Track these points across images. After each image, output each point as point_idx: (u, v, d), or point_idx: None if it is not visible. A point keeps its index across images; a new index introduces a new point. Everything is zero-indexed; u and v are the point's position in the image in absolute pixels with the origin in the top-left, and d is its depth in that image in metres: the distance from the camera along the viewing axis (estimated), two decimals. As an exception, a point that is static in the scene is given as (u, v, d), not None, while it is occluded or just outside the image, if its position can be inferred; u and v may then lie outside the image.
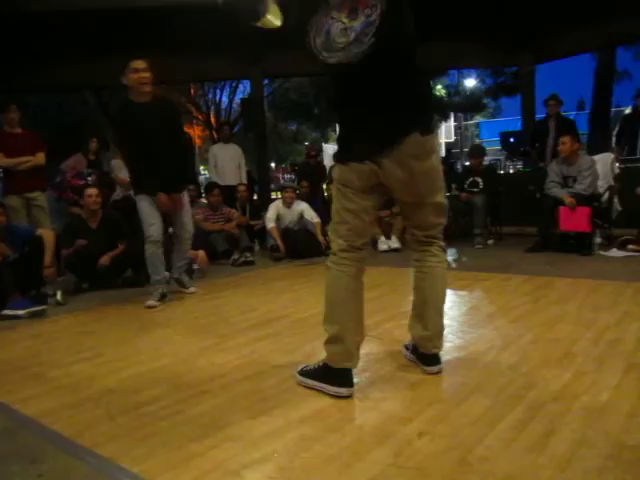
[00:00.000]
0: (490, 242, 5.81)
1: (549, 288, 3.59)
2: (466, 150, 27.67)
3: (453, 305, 3.26)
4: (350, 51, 1.70)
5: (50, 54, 7.39)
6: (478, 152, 6.24)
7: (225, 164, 7.39)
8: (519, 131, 8.50)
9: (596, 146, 13.77)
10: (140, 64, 3.50)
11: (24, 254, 4.03)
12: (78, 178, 5.53)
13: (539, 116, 8.69)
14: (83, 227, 4.51)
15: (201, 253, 4.95)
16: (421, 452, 1.52)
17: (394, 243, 5.71)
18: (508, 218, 6.40)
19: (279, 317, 3.20)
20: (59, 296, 3.98)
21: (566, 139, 5.10)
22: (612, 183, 5.30)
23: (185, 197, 3.91)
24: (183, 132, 3.92)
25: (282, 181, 40.05)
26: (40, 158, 4.99)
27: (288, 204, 5.95)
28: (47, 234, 4.21)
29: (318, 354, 2.43)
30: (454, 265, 4.70)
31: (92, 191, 4.50)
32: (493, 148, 28.15)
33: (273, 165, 39.73)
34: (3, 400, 2.10)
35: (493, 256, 5.12)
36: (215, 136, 20.85)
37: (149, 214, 3.66)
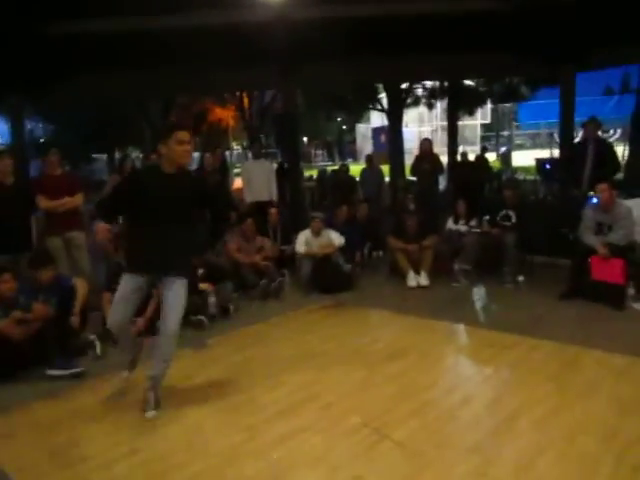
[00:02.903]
0: (521, 279, 5.75)
1: (576, 368, 3.58)
2: (502, 134, 27.06)
3: (475, 394, 3.31)
4: None
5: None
6: (512, 185, 6.15)
7: (256, 180, 7.51)
8: (554, 158, 8.29)
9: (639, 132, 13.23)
10: (186, 136, 3.15)
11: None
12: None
13: (578, 119, 8.49)
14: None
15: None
16: None
17: (423, 280, 5.73)
18: (541, 247, 6.32)
19: (307, 400, 3.29)
20: (98, 349, 4.18)
21: (604, 187, 4.99)
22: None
23: (179, 285, 3.19)
24: (215, 204, 3.53)
25: (314, 154, 40.45)
26: (78, 199, 5.17)
27: (316, 232, 6.04)
28: (81, 284, 4.38)
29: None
30: (482, 317, 4.71)
31: None
32: (530, 132, 27.51)
33: (306, 140, 39.95)
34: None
35: (522, 303, 5.10)
36: (247, 118, 20.99)
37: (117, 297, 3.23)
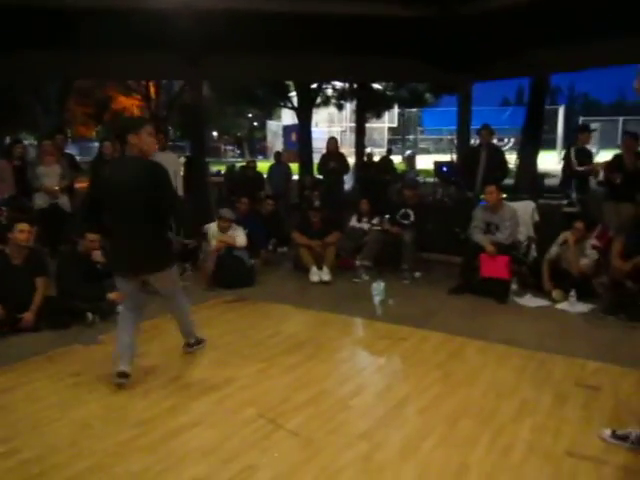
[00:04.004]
0: (417, 275, 6.03)
1: (460, 358, 3.82)
2: (408, 138, 28.18)
3: (367, 384, 3.45)
4: None
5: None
6: (412, 185, 6.43)
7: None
8: (451, 162, 8.79)
9: (528, 141, 14.36)
10: (153, 129, 3.44)
11: None
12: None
13: (476, 126, 9.04)
14: (5, 265, 4.33)
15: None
16: None
17: (325, 275, 5.84)
18: (437, 245, 6.66)
19: (202, 394, 3.26)
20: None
21: (492, 189, 5.35)
22: (532, 232, 5.64)
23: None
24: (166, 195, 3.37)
25: (224, 149, 39.91)
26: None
27: (223, 229, 5.95)
28: None
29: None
30: (380, 311, 4.87)
31: (24, 226, 4.30)
32: (434, 137, 28.86)
33: (216, 134, 39.27)
34: None
35: (417, 297, 5.34)
36: (152, 109, 20.28)
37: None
